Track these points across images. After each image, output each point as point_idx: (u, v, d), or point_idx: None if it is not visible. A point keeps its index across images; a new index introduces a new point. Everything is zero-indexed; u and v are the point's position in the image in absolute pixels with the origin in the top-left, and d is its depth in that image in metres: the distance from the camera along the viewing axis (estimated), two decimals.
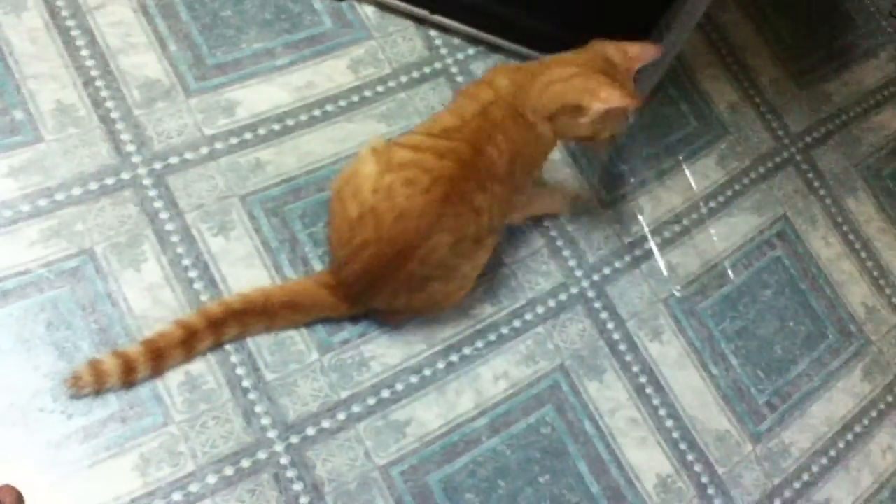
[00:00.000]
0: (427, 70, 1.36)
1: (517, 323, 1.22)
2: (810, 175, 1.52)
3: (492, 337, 1.20)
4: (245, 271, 1.13)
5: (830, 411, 1.34)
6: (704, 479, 1.22)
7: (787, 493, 1.26)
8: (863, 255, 1.48)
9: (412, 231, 1.01)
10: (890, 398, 1.38)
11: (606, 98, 1.04)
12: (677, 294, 1.32)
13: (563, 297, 1.27)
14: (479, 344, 1.19)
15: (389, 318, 1.16)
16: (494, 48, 1.40)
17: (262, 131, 1.23)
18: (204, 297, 1.10)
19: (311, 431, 1.08)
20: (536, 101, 1.07)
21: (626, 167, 1.40)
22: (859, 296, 1.44)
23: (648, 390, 1.24)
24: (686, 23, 1.33)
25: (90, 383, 1.00)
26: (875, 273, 1.47)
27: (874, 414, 1.36)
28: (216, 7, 1.27)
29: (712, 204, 1.42)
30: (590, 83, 1.06)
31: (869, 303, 1.44)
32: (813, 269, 1.43)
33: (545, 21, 1.36)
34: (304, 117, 1.25)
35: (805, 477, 1.28)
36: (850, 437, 1.33)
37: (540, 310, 1.24)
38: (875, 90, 1.67)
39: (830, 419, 1.33)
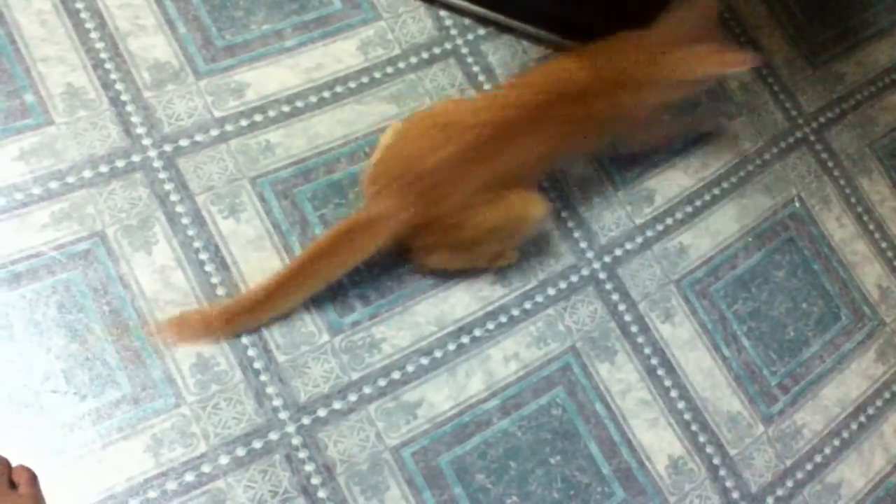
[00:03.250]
0: (437, 51, 1.35)
1: (528, 305, 1.22)
2: (824, 156, 1.50)
3: (503, 319, 1.20)
4: (255, 253, 1.13)
5: (843, 393, 1.33)
6: (716, 461, 1.22)
7: (800, 475, 1.25)
8: (877, 235, 1.47)
9: (466, 143, 1.06)
10: None
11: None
12: (689, 275, 1.32)
13: (574, 278, 1.26)
14: (490, 326, 1.19)
15: (423, 258, 1.15)
16: (505, 28, 1.39)
17: (271, 113, 1.22)
18: (215, 280, 1.10)
19: (322, 413, 1.08)
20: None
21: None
22: (873, 277, 1.43)
23: (660, 372, 1.24)
24: None
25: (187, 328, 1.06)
26: (889, 254, 1.46)
27: (887, 395, 1.36)
28: None
29: (725, 185, 1.41)
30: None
31: (883, 284, 1.43)
32: (826, 250, 1.42)
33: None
34: (313, 99, 1.25)
35: (817, 458, 1.27)
36: (862, 418, 1.33)
37: (551, 291, 1.24)
38: (890, 69, 1.65)
39: (843, 401, 1.33)
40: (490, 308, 1.20)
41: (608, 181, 1.34)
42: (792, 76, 1.55)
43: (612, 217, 1.32)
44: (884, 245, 1.46)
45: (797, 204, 1.44)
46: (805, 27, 1.60)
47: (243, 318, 1.08)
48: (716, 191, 1.40)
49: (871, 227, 1.47)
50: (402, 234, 1.09)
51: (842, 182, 1.49)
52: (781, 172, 1.46)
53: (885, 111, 1.60)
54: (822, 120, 1.54)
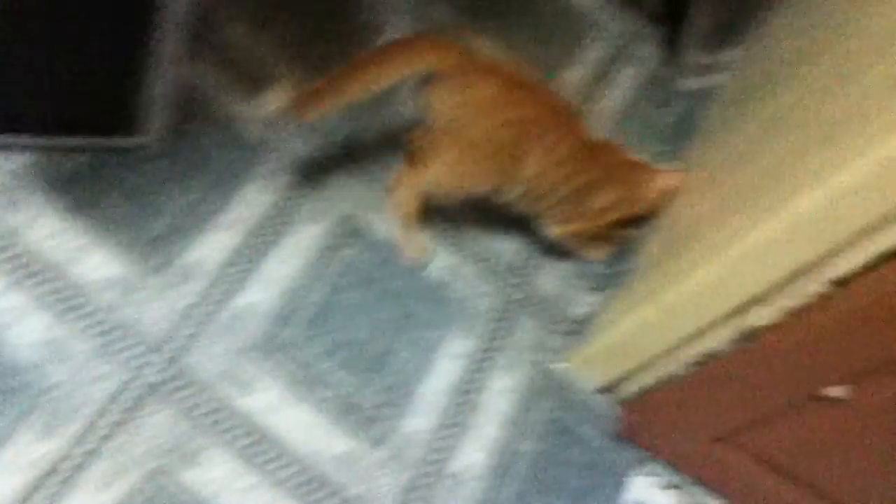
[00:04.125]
0: None
1: (88, 446, 1.10)
2: None
3: (61, 474, 1.07)
4: None
5: (440, 382, 1.37)
6: None
7: (426, 480, 1.28)
8: None
9: None
10: (496, 342, 1.45)
11: None
12: (261, 335, 1.27)
13: (133, 394, 1.16)
14: (52, 483, 1.06)
15: None
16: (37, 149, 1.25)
17: None
18: None
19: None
20: None
21: (167, 222, 1.30)
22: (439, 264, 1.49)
23: (258, 448, 1.19)
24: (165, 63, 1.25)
25: None
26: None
27: (485, 363, 1.43)
28: None
29: (270, 228, 1.37)
30: None
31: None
32: (386, 253, 1.45)
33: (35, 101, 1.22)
34: None
35: (436, 457, 1.31)
36: (471, 396, 1.38)
37: (105, 422, 1.13)
38: None
39: (448, 388, 1.37)
40: (43, 471, 1.06)
41: (136, 271, 1.25)
42: None
43: (158, 308, 1.23)
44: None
45: (348, 220, 1.45)
46: (305, 43, 1.61)
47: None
48: (265, 236, 1.36)
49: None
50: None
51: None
52: (320, 196, 1.45)
53: None
54: None
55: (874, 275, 0.98)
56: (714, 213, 1.35)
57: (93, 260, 1.23)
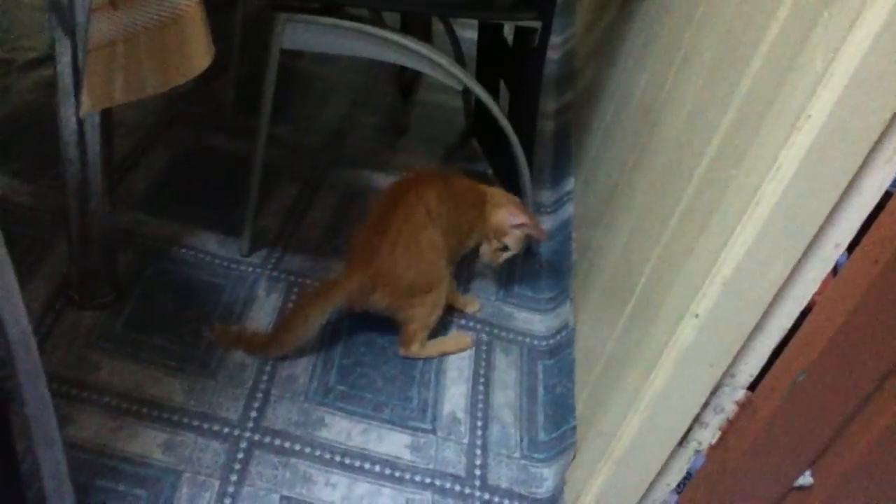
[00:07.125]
0: None
1: None
2: (276, 442, 1.50)
3: None
4: None
5: None
6: None
7: None
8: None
9: None
10: None
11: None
12: None
13: None
14: None
15: None
16: None
17: None
18: None
19: None
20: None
21: None
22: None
23: None
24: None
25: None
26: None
27: None
28: None
29: None
30: None
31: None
32: None
33: None
34: None
35: None
36: None
37: None
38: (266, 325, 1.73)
39: None
40: None
41: None
42: (204, 402, 1.52)
43: None
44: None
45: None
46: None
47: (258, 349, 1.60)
48: None
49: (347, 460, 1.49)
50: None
51: (306, 450, 1.50)
52: (254, 490, 1.41)
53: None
54: (253, 415, 1.53)
55: (774, 371, 1.02)
56: (619, 352, 1.38)
57: None
